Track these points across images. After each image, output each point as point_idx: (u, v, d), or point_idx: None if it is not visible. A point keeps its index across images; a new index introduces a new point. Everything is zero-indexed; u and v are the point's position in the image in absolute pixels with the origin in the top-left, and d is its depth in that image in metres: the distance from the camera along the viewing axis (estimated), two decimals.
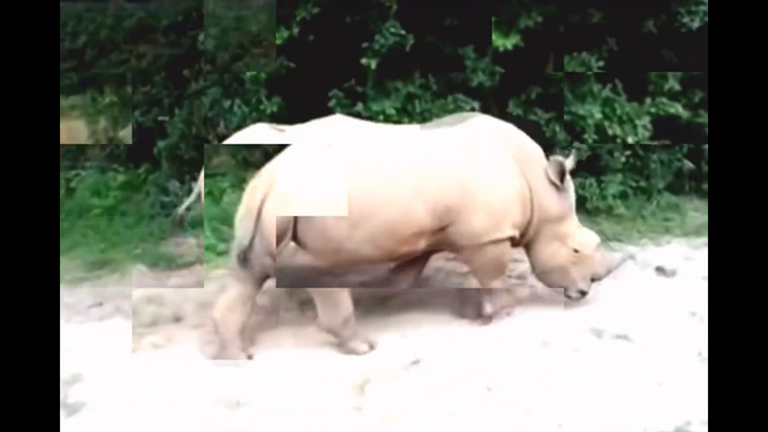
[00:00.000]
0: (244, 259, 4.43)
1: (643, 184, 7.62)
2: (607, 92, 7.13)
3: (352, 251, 4.53)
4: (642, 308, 5.33)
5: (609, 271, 5.28)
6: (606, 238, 6.65)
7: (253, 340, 4.82)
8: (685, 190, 7.85)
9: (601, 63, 6.76)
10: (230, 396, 4.15)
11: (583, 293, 5.21)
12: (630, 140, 7.15)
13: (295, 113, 6.26)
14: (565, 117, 6.89)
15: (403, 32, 6.20)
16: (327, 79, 6.59)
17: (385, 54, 6.25)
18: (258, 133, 4.73)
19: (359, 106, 6.47)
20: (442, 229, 4.67)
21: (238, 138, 4.79)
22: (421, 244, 4.72)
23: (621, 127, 7.09)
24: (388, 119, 6.33)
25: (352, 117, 6.26)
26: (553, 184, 4.93)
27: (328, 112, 6.56)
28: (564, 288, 5.19)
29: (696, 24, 6.24)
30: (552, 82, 6.97)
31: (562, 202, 5.02)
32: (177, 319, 5.18)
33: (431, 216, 4.57)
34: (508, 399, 4.09)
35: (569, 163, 5.05)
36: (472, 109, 6.37)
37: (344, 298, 4.62)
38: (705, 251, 6.47)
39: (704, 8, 6.24)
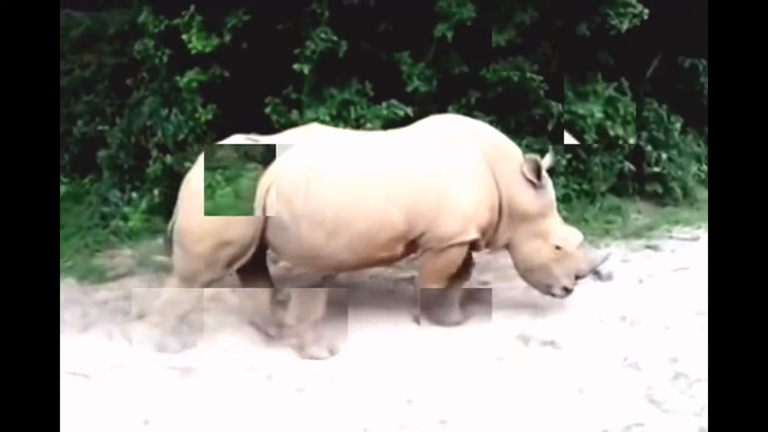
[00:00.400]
0: (169, 245, 4.67)
1: (586, 186, 7.63)
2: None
3: (329, 258, 4.62)
4: (573, 313, 5.33)
5: (592, 268, 5.28)
6: None
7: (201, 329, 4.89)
8: (628, 193, 7.88)
9: (536, 66, 6.75)
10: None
11: (568, 290, 5.17)
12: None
13: (231, 121, 6.22)
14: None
15: (335, 38, 6.16)
16: (262, 86, 6.52)
17: (317, 60, 6.20)
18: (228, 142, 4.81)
19: (294, 114, 6.41)
20: (421, 234, 4.73)
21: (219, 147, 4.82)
22: (399, 250, 4.77)
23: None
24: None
25: (288, 124, 6.28)
26: (529, 181, 4.92)
27: (264, 119, 6.51)
28: (548, 286, 5.16)
29: (625, 26, 6.27)
30: (490, 86, 6.95)
31: (540, 200, 5.02)
32: None
33: (406, 221, 4.63)
34: (426, 411, 4.04)
35: (546, 161, 5.11)
36: (406, 115, 6.33)
37: (320, 300, 4.65)
38: (643, 253, 6.62)
39: (633, 10, 6.27)
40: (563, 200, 7.42)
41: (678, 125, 7.93)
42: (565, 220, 7.12)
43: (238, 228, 4.47)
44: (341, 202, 4.48)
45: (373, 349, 4.75)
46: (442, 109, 6.86)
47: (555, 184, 7.32)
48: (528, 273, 5.18)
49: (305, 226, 4.47)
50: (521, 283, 5.41)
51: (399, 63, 6.57)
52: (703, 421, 3.90)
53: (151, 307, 4.74)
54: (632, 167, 7.72)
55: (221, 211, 4.40)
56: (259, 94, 6.52)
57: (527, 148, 7.24)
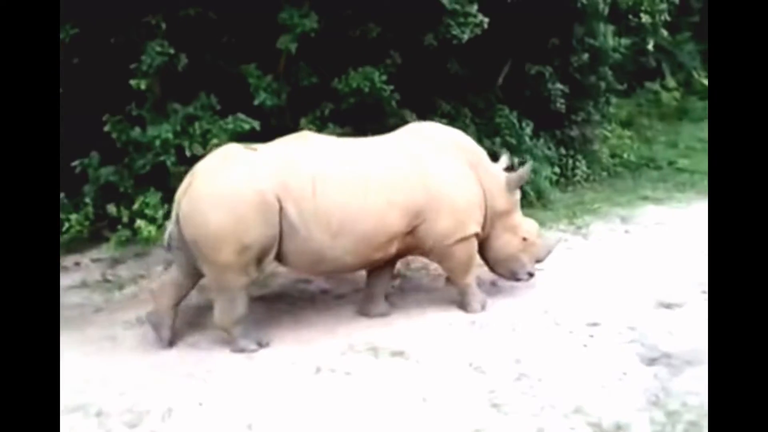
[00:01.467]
0: (168, 246, 4.85)
1: None
2: None
3: (332, 261, 4.89)
4: (424, 320, 5.37)
5: (549, 252, 5.88)
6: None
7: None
8: None
9: (385, 77, 6.79)
10: None
11: (531, 275, 5.76)
12: None
13: (68, 140, 5.87)
14: None
15: (172, 51, 5.93)
16: (100, 103, 6.21)
17: (155, 74, 5.95)
18: (232, 152, 4.90)
19: (136, 131, 6.14)
20: (410, 232, 5.08)
21: (215, 156, 4.91)
22: (393, 249, 5.11)
23: None
24: (165, 143, 6.04)
25: (131, 141, 6.00)
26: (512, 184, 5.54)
27: (105, 136, 6.21)
28: (514, 272, 5.72)
29: (466, 35, 6.40)
30: (343, 97, 6.94)
31: (511, 199, 5.57)
32: None
33: (404, 222, 4.99)
34: None
35: (526, 173, 5.74)
36: (253, 129, 6.20)
37: (241, 298, 4.82)
38: None
39: (474, 20, 6.41)
40: None
41: (529, 130, 8.21)
42: None
43: (255, 231, 4.62)
44: (346, 204, 4.76)
45: (206, 379, 4.59)
46: (295, 122, 6.80)
47: None
48: (499, 263, 5.71)
49: (314, 227, 4.71)
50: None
51: (246, 76, 6.42)
52: (542, 421, 4.04)
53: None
54: None
55: (234, 218, 4.56)
56: (98, 112, 6.21)
57: None
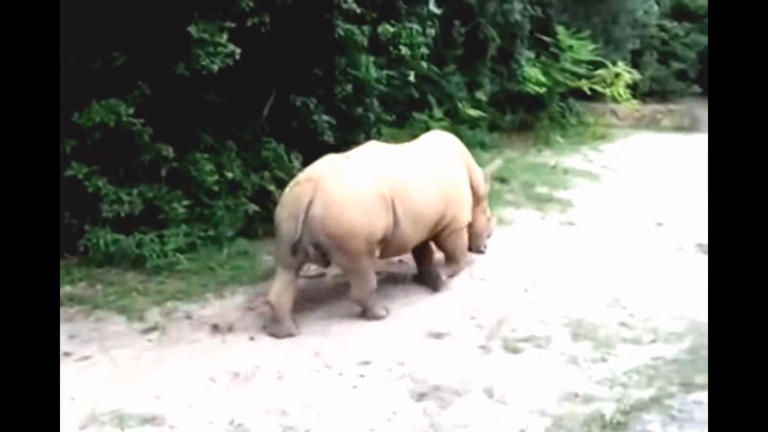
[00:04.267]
0: (294, 251, 5.60)
1: (211, 232, 7.37)
2: None
3: (410, 243, 6.15)
4: (183, 374, 4.97)
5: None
6: (164, 299, 6.25)
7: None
8: (258, 235, 7.79)
9: (132, 110, 6.32)
10: None
11: (486, 246, 7.35)
12: None
13: None
14: None
15: None
16: None
17: None
18: (336, 160, 5.92)
19: None
20: (447, 220, 6.32)
21: (324, 165, 5.83)
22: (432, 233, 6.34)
23: None
24: None
25: None
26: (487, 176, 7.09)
27: None
28: (478, 246, 7.20)
29: (216, 66, 6.15)
30: (86, 133, 6.35)
31: (485, 187, 7.09)
32: None
33: (441, 210, 6.19)
34: None
35: (498, 165, 7.78)
36: None
37: (372, 276, 5.89)
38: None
39: (224, 50, 6.18)
40: (189, 249, 7.11)
41: (298, 163, 8.08)
42: (188, 271, 6.88)
43: (380, 223, 5.67)
44: (422, 199, 5.96)
45: None
46: None
47: (177, 234, 7.10)
48: (472, 240, 6.94)
49: (409, 220, 5.86)
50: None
51: None
52: None
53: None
54: (257, 208, 7.65)
55: (365, 213, 5.57)
56: None
57: (141, 196, 6.85)
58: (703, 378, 4.86)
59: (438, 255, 6.79)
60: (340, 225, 5.50)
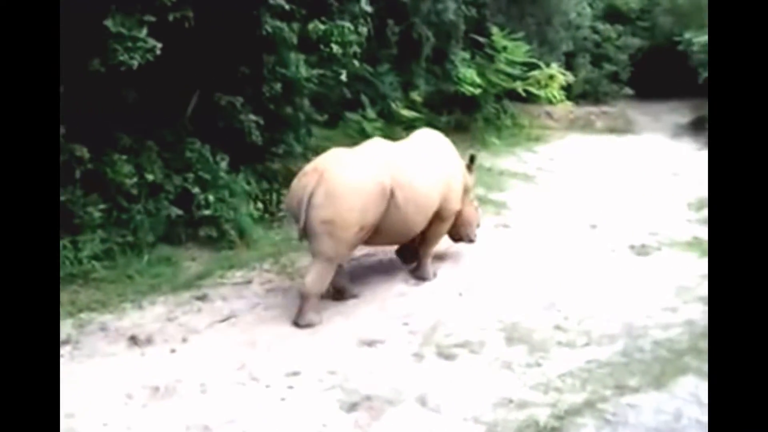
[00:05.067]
0: (302, 236, 6.10)
1: (130, 238, 7.11)
2: None
3: (411, 231, 6.63)
4: (93, 390, 4.75)
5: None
6: (77, 310, 5.99)
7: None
8: (181, 240, 7.56)
9: None
10: None
11: (475, 235, 7.69)
12: None
13: None
14: None
15: None
16: None
17: None
18: (341, 153, 6.46)
19: None
20: (441, 209, 6.84)
21: (330, 157, 6.32)
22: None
23: None
24: None
25: None
26: (468, 168, 7.47)
27: None
28: (468, 235, 7.57)
29: (136, 62, 5.93)
30: None
31: (472, 179, 7.57)
32: None
33: (439, 199, 6.74)
34: None
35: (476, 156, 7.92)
36: None
37: (333, 272, 6.22)
38: (190, 306, 6.30)
39: (144, 45, 5.98)
40: (105, 256, 6.84)
41: (224, 164, 7.91)
42: (104, 280, 6.62)
43: (373, 212, 6.07)
44: (423, 188, 6.47)
45: None
46: None
47: (92, 240, 6.82)
48: (460, 228, 7.42)
49: (411, 207, 6.34)
50: None
51: None
52: None
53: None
54: (180, 212, 7.43)
55: (361, 202, 5.97)
56: None
57: None
58: (636, 381, 4.94)
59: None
60: (336, 213, 5.91)
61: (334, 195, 5.92)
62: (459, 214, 7.22)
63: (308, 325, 5.92)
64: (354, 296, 6.51)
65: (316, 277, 6.02)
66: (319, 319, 6.01)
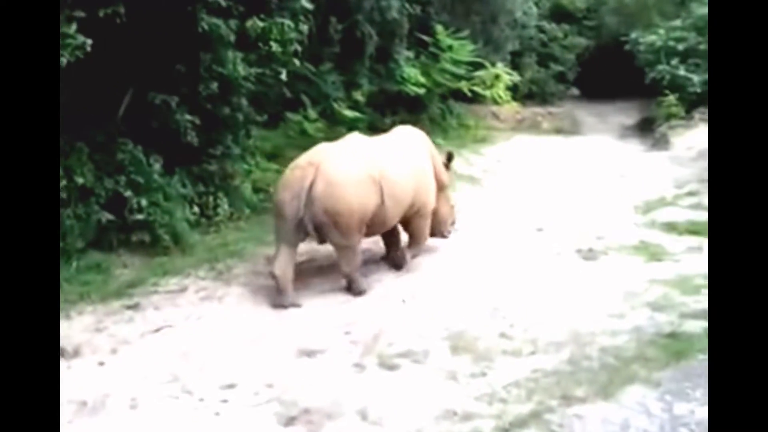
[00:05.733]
0: (297, 228, 6.46)
1: (60, 244, 6.88)
2: None
3: (390, 222, 7.01)
4: None
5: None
6: None
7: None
8: (112, 246, 7.36)
9: None
10: None
11: (450, 232, 8.14)
12: None
13: None
14: None
15: None
16: None
17: None
18: (331, 147, 7.00)
19: None
20: (416, 204, 7.22)
21: (322, 151, 6.88)
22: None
23: None
24: None
25: None
26: (445, 165, 7.99)
27: None
28: (442, 231, 7.98)
29: (65, 59, 5.72)
30: None
31: (448, 176, 8.04)
32: None
33: (414, 195, 7.12)
34: None
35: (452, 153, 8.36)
36: None
37: (359, 252, 6.87)
38: (121, 316, 6.14)
39: (74, 42, 5.81)
40: None
41: (158, 166, 7.73)
42: None
43: (371, 202, 6.60)
44: (404, 182, 6.91)
45: None
46: None
47: None
48: (435, 225, 7.77)
49: (393, 200, 6.77)
50: None
51: None
52: None
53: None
54: (111, 217, 7.23)
55: (360, 194, 6.50)
56: None
57: None
58: (582, 390, 4.96)
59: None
60: (339, 203, 6.38)
61: (335, 185, 6.37)
62: (435, 211, 7.59)
63: (360, 293, 6.74)
64: (296, 305, 6.48)
65: (344, 261, 6.72)
66: (366, 286, 6.87)
